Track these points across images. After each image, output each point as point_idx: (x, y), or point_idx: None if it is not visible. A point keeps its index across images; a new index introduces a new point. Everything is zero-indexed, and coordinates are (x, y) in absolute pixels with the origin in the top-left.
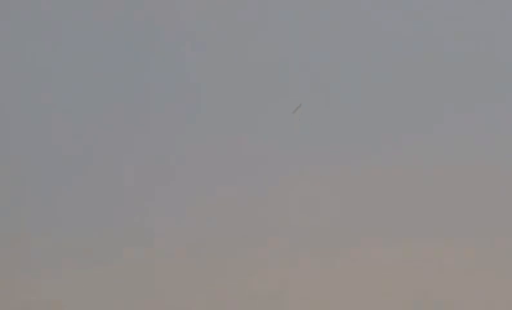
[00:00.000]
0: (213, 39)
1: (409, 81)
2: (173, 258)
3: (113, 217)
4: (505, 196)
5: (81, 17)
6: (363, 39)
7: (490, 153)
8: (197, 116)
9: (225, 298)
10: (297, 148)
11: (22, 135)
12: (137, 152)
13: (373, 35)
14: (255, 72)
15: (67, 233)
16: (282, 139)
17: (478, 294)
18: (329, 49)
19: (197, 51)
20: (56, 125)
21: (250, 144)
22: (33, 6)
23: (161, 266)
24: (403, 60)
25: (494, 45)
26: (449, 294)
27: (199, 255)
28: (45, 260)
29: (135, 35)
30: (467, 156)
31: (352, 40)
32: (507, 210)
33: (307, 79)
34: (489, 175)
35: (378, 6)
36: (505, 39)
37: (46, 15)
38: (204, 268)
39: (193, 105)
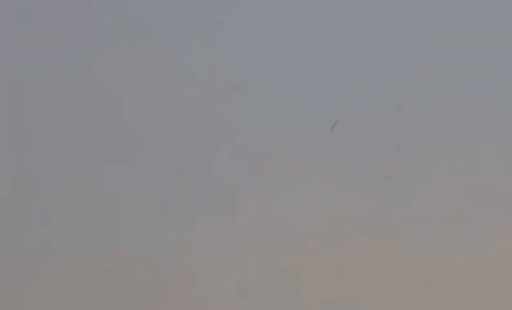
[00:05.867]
0: (213, 39)
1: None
2: (172, 257)
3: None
4: None
5: (80, 16)
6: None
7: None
8: (197, 116)
9: (225, 297)
10: (298, 148)
11: (26, 135)
12: (137, 152)
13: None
14: (256, 72)
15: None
16: (283, 139)
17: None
18: (330, 49)
19: (197, 50)
20: (56, 125)
21: (250, 144)
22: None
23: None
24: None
25: None
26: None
27: (200, 256)
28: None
29: (133, 34)
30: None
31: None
32: None
33: (308, 78)
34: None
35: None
36: None
37: (45, 14)
38: (205, 268)
39: (193, 105)
